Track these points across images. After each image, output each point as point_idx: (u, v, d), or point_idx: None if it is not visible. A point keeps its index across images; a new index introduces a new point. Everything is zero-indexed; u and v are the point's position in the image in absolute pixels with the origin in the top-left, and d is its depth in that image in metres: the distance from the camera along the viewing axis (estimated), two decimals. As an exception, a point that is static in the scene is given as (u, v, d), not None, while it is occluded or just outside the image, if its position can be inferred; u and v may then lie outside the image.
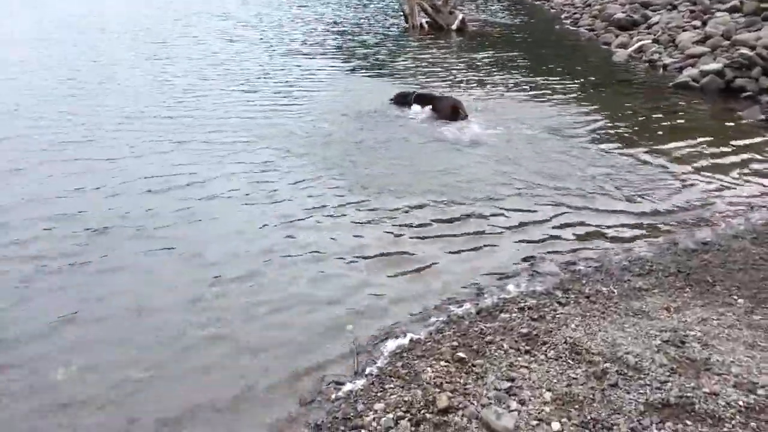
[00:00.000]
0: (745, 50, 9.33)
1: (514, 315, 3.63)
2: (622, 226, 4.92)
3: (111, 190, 5.48)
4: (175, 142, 6.79)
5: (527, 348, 3.25)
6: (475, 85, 10.12)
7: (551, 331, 3.40)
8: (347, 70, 11.48)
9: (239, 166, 6.11)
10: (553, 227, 4.90)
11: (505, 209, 5.19)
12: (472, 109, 8.09)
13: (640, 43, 12.45)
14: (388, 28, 17.45)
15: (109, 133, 7.13)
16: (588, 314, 3.59)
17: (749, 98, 8.69)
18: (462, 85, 10.10)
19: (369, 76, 11.00)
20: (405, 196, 5.39)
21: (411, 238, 4.68)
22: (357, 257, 4.38)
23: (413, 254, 4.44)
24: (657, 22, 13.48)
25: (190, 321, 3.63)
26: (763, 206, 5.17)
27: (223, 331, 3.55)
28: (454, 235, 4.73)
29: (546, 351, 3.21)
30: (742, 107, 8.26)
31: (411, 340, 3.43)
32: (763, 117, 7.74)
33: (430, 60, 12.52)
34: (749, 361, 2.98)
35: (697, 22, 12.46)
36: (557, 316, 3.59)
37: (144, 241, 4.59)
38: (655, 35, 12.73)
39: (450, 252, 4.47)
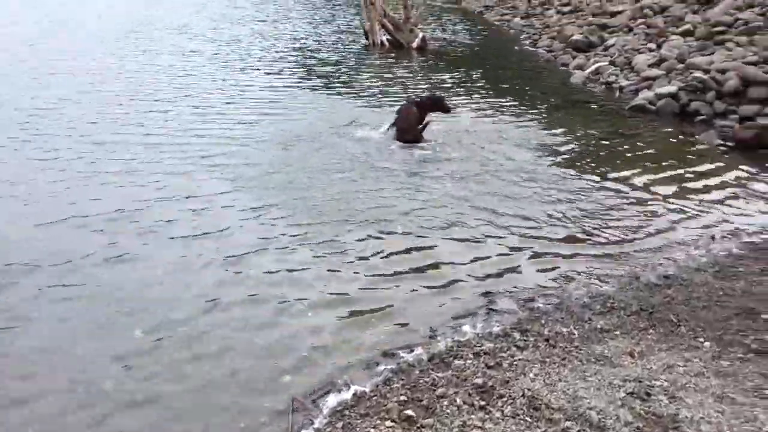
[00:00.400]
0: (698, 74, 9.42)
1: (469, 362, 3.33)
2: (582, 257, 4.71)
3: (29, 225, 4.93)
4: (113, 171, 6.23)
5: (482, 403, 2.94)
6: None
7: (508, 382, 3.11)
8: (306, 89, 11.14)
9: (181, 197, 5.60)
10: (511, 260, 4.65)
11: (461, 241, 4.92)
12: (432, 132, 7.88)
13: (596, 65, 12.53)
14: (348, 45, 17.24)
15: (36, 160, 6.54)
16: (547, 360, 3.33)
17: (704, 122, 8.74)
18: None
19: (328, 95, 10.68)
20: (355, 229, 5.04)
21: (360, 276, 4.33)
22: (302, 299, 4.00)
23: (362, 294, 4.10)
24: (613, 44, 13.64)
25: (112, 382, 3.20)
26: (724, 236, 5.05)
27: (150, 392, 3.13)
28: (407, 272, 4.41)
29: (502, 406, 2.91)
30: (698, 131, 8.27)
31: (354, 395, 3.09)
32: (719, 141, 7.75)
33: (392, 80, 12.30)
34: (719, 417, 2.75)
35: (652, 45, 12.64)
36: (515, 362, 3.31)
37: (63, 286, 4.07)
38: (611, 57, 12.85)
39: (402, 290, 4.16)
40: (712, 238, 5.00)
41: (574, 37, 14.98)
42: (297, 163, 6.67)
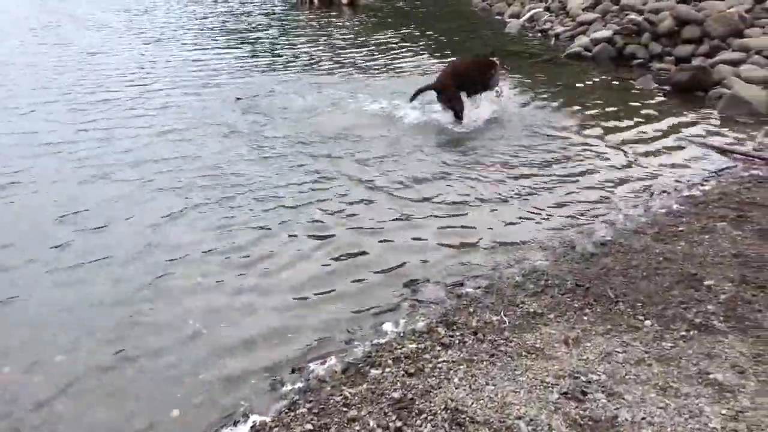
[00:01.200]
0: (633, 15, 9.09)
1: (387, 370, 2.92)
2: (515, 226, 4.35)
3: None
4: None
5: (398, 424, 2.54)
6: (377, 68, 9.34)
7: (429, 392, 2.71)
8: (236, 58, 10.29)
9: (78, 211, 4.66)
10: (438, 235, 4.24)
11: (381, 222, 4.47)
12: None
13: (531, 12, 12.09)
14: (277, 4, 16.26)
15: None
16: (475, 359, 2.94)
17: (640, 66, 8.48)
18: (366, 70, 9.26)
19: (258, 64, 9.86)
20: (275, 228, 4.40)
21: (273, 282, 3.77)
22: (204, 314, 3.46)
23: (275, 301, 3.56)
24: (548, -11, 13.19)
25: None
26: (663, 191, 4.76)
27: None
28: (324, 265, 3.92)
29: (421, 426, 2.51)
30: (635, 76, 7.99)
31: (253, 428, 2.64)
32: (655, 85, 7.47)
33: (327, 42, 11.58)
34: (662, 415, 2.42)
35: (587, -13, 12.23)
36: (438, 365, 2.91)
37: None
38: (546, 3, 12.42)
39: (319, 292, 3.63)
40: (651, 194, 4.71)
41: (508, -16, 14.43)
42: (218, 151, 5.87)
